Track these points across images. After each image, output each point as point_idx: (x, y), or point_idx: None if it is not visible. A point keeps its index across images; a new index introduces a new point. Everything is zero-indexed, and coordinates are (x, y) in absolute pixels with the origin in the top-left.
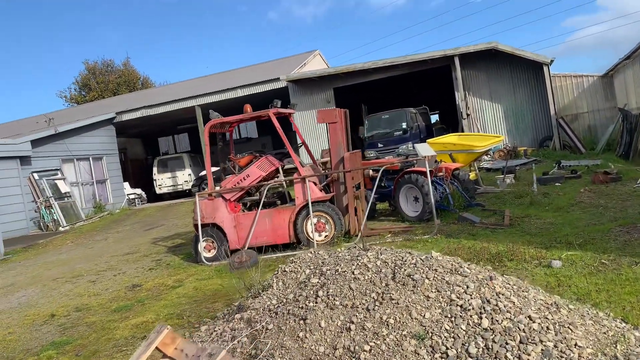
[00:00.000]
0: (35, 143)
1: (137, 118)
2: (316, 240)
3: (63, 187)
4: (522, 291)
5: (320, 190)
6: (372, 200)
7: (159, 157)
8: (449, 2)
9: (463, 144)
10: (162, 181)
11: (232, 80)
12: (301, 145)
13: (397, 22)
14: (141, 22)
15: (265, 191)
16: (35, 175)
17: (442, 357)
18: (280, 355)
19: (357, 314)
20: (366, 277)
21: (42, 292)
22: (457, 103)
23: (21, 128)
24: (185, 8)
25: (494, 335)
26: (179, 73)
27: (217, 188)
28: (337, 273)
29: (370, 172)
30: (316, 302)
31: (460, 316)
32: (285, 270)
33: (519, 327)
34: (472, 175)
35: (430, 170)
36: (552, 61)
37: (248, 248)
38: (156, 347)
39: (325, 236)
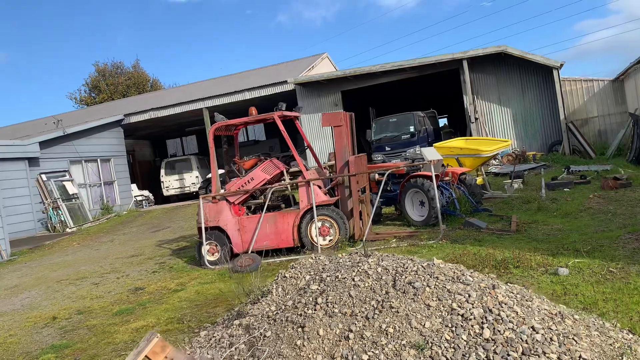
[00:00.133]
0: (44, 144)
1: (145, 120)
2: (320, 245)
3: (71, 189)
4: (526, 300)
5: (325, 194)
6: (377, 204)
7: (167, 159)
8: (459, 5)
9: (470, 149)
10: (170, 183)
11: (240, 83)
12: (306, 149)
13: (406, 26)
14: (151, 25)
15: (270, 194)
16: (44, 176)
17: None
18: None
19: (356, 322)
20: (366, 285)
21: (46, 294)
22: (465, 107)
23: (30, 129)
24: (195, 11)
25: (495, 346)
26: (188, 75)
27: (222, 191)
28: (337, 280)
29: (376, 175)
30: (315, 310)
31: (461, 326)
32: (285, 276)
33: (521, 338)
34: (479, 180)
35: (436, 175)
36: (561, 65)
37: (252, 252)
38: (145, 356)
39: (330, 240)
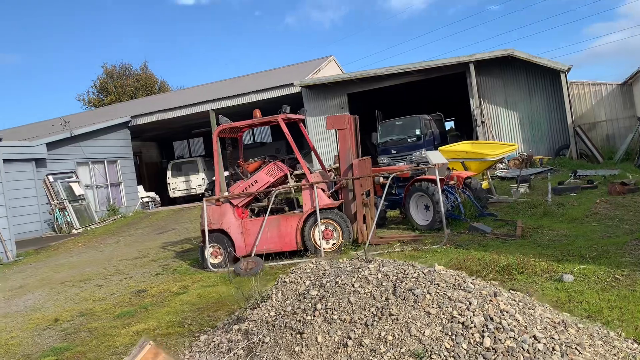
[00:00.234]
0: (51, 146)
1: (152, 122)
2: (324, 248)
3: (77, 190)
4: (528, 308)
5: (329, 197)
6: (381, 208)
7: (173, 160)
8: (467, 8)
9: (476, 152)
10: (176, 185)
11: (246, 85)
12: (310, 151)
13: (413, 29)
14: (159, 27)
15: (273, 197)
16: (50, 177)
17: None
18: None
19: (355, 330)
20: (366, 291)
21: (49, 295)
22: (471, 110)
23: (38, 131)
24: (203, 13)
25: (495, 356)
26: (196, 77)
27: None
28: (336, 285)
29: (381, 179)
30: (314, 316)
31: (462, 334)
32: (285, 281)
33: (522, 348)
34: (484, 184)
35: (441, 179)
36: (569, 69)
37: (255, 255)
38: None
39: (333, 244)
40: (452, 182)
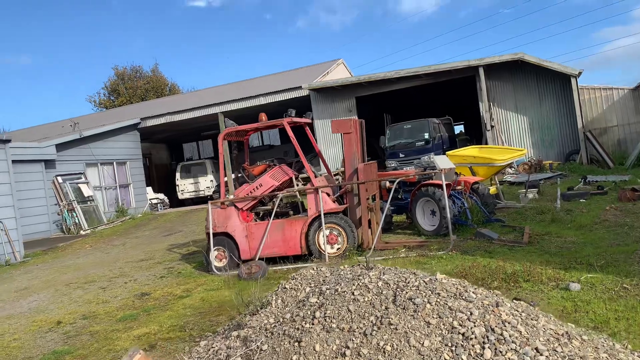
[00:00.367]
0: (60, 147)
1: (162, 124)
2: (328, 253)
3: (86, 191)
4: (531, 319)
5: (334, 202)
6: (386, 212)
7: (182, 162)
8: (478, 12)
9: (483, 157)
10: (185, 187)
11: (255, 88)
12: (315, 156)
13: (423, 32)
14: (170, 29)
15: (278, 201)
16: (59, 178)
17: None
18: None
19: (354, 339)
20: (366, 299)
21: (53, 297)
22: (481, 114)
23: (47, 132)
24: (214, 15)
25: None
26: (206, 79)
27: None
28: (336, 293)
29: (387, 183)
30: (313, 324)
31: (462, 345)
32: (285, 287)
33: None
34: (492, 190)
35: (448, 184)
36: (580, 73)
37: (259, 259)
38: None
39: (338, 249)
40: (459, 187)
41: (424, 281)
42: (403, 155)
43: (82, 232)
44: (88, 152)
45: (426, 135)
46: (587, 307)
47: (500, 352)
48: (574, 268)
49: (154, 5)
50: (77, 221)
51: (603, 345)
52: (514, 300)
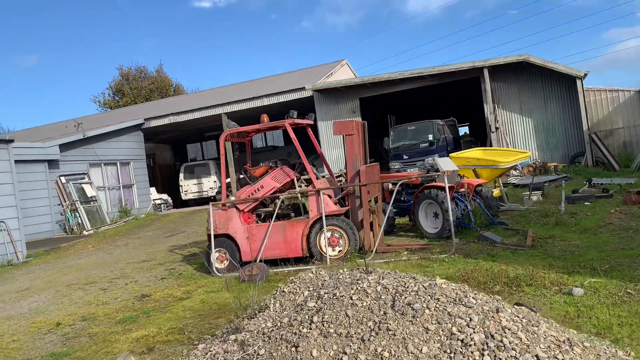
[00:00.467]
0: (64, 147)
1: (165, 124)
2: (329, 255)
3: (89, 191)
4: (532, 325)
5: (335, 204)
6: (388, 215)
7: (186, 163)
8: (483, 13)
9: (487, 159)
10: (188, 187)
11: (259, 89)
12: (317, 157)
13: (428, 33)
14: (176, 30)
15: (280, 203)
16: (63, 178)
17: None
18: None
19: (351, 344)
20: (364, 304)
21: (54, 298)
22: (485, 116)
23: (51, 132)
24: (220, 16)
25: None
26: (211, 80)
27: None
28: (334, 297)
29: (390, 185)
30: (310, 329)
31: (460, 352)
32: (284, 291)
33: None
34: (495, 192)
35: (451, 186)
36: (585, 75)
37: (260, 261)
38: None
39: (339, 251)
40: (462, 190)
41: (423, 286)
42: (407, 157)
43: (85, 233)
44: (92, 152)
45: (430, 137)
46: (590, 313)
47: (500, 359)
48: (578, 272)
49: (160, 5)
50: (80, 221)
51: (605, 353)
52: (516, 306)
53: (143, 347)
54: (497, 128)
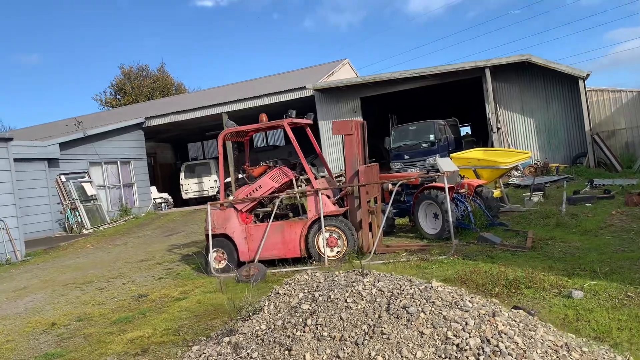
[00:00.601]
0: (64, 146)
1: (166, 123)
2: (327, 256)
3: (89, 190)
4: (529, 330)
5: (334, 204)
6: (387, 215)
7: (187, 162)
8: (486, 12)
9: (488, 160)
10: (189, 186)
11: (260, 88)
12: (316, 157)
13: (431, 33)
14: (178, 29)
15: (278, 203)
16: (63, 177)
17: None
18: None
19: (345, 348)
20: (359, 307)
21: (50, 297)
22: (487, 116)
23: (51, 131)
24: (222, 15)
25: None
26: (213, 79)
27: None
28: (329, 300)
29: (390, 185)
30: (304, 332)
31: (455, 357)
32: (278, 293)
33: None
34: (496, 193)
35: (451, 187)
36: (587, 75)
37: (258, 261)
38: None
39: (337, 252)
40: (462, 191)
41: (419, 289)
42: (408, 157)
43: (84, 231)
44: (92, 151)
45: (432, 137)
46: (589, 316)
47: None
48: (578, 275)
49: (162, 4)
50: (79, 220)
51: (604, 358)
52: (513, 309)
53: (137, 348)
54: (498, 128)
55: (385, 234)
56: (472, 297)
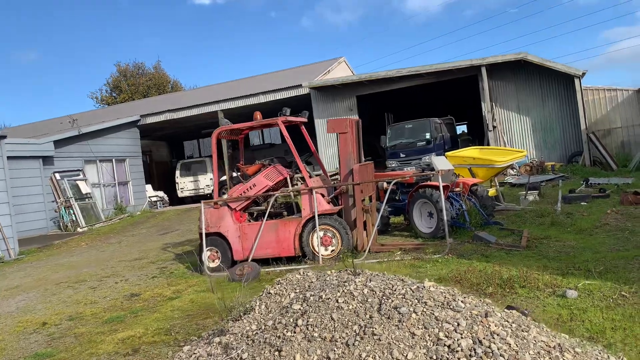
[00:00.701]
0: (58, 143)
1: (161, 121)
2: (322, 255)
3: (84, 188)
4: (522, 330)
5: (328, 203)
6: (382, 214)
7: (182, 160)
8: (483, 11)
9: (483, 159)
10: (184, 185)
11: (256, 86)
12: (311, 155)
13: (427, 31)
14: (174, 27)
15: (272, 201)
16: (57, 175)
17: None
18: None
19: (335, 349)
20: (350, 307)
21: (43, 296)
22: (483, 114)
23: (46, 128)
24: (219, 13)
25: None
26: (209, 77)
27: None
28: (320, 300)
29: (385, 184)
30: (294, 332)
31: (447, 358)
32: (270, 292)
33: None
34: (491, 192)
35: (446, 185)
36: (583, 74)
37: (252, 260)
38: None
39: (332, 251)
40: (457, 189)
41: (411, 289)
42: (404, 155)
43: (79, 230)
44: (87, 149)
45: (427, 135)
46: (583, 316)
47: None
48: (572, 274)
49: (160, 3)
50: (74, 218)
51: (597, 358)
52: (507, 309)
53: (128, 348)
54: (494, 127)
55: (380, 232)
56: (464, 297)
